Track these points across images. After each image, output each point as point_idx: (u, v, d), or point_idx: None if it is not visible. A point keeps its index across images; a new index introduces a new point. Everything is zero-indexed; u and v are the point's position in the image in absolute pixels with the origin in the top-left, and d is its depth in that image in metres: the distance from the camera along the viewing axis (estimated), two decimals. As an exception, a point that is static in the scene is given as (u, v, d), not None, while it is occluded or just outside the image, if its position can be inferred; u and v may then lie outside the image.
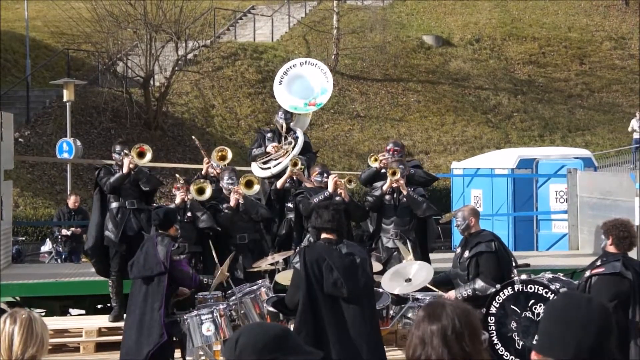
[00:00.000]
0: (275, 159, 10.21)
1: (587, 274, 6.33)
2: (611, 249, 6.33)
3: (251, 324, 3.55)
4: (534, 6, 36.35)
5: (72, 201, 15.05)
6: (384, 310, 7.59)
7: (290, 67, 11.20)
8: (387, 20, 33.58)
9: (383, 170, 9.64)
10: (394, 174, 9.09)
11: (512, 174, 16.45)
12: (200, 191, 9.03)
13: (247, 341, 2.82)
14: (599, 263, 6.32)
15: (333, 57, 30.34)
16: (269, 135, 10.48)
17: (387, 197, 9.20)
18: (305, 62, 11.45)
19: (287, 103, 10.73)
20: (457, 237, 16.23)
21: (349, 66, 30.95)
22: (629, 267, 6.19)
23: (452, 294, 7.97)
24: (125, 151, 9.40)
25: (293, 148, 10.21)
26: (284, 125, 10.37)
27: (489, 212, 16.00)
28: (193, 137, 11.41)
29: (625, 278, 6.12)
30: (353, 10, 33.56)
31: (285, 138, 10.33)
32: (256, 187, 9.22)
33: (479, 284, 7.78)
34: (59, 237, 14.95)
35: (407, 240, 9.06)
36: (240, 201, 8.99)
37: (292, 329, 6.63)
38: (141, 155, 9.36)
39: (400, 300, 8.11)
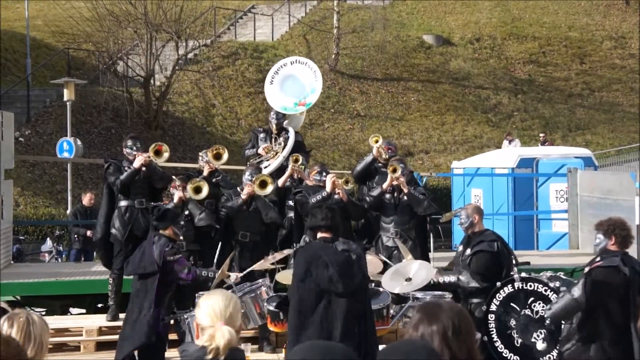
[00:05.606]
0: (267, 160, 10.25)
1: (587, 269, 6.36)
2: (613, 247, 6.35)
3: (317, 343, 2.97)
4: (534, 5, 36.33)
5: (87, 199, 14.85)
6: (384, 310, 7.59)
7: (281, 66, 11.23)
8: (388, 20, 33.56)
9: (378, 165, 9.77)
10: (394, 171, 9.07)
11: (512, 173, 16.45)
12: (197, 190, 8.91)
13: None
14: (598, 259, 6.36)
15: (333, 56, 30.34)
16: (261, 135, 10.54)
17: (387, 195, 9.19)
18: (296, 60, 11.49)
19: (277, 103, 10.77)
20: (457, 237, 16.22)
21: (349, 65, 30.94)
22: (627, 263, 6.23)
23: (436, 273, 7.89)
24: (138, 145, 9.32)
25: (283, 149, 10.24)
26: (274, 126, 10.42)
27: (490, 212, 15.98)
28: (200, 153, 11.25)
29: (621, 272, 6.15)
30: (353, 10, 33.53)
31: (276, 139, 10.37)
32: (269, 188, 9.01)
33: (465, 276, 7.77)
34: (76, 236, 14.63)
35: (408, 239, 9.06)
36: (252, 194, 8.92)
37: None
38: (158, 153, 9.21)
39: (400, 299, 8.11)
